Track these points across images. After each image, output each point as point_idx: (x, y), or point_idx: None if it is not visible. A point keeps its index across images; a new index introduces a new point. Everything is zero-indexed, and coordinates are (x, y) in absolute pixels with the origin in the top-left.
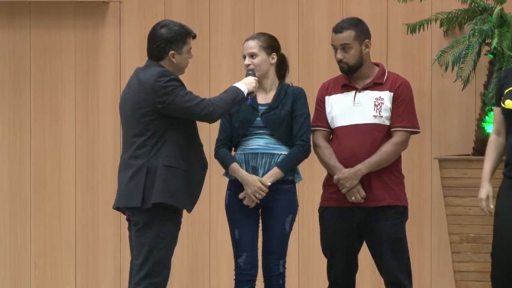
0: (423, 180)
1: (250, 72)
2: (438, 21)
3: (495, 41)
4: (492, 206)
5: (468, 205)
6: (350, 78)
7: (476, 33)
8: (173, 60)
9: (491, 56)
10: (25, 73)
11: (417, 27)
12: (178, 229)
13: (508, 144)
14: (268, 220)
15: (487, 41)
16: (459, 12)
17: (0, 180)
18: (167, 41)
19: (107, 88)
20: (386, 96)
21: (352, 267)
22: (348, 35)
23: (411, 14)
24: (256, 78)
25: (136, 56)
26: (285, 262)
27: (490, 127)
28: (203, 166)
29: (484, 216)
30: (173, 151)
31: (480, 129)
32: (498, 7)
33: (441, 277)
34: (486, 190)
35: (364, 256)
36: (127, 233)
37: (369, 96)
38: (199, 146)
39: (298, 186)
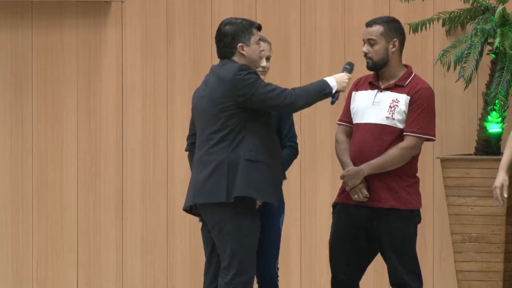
0: (426, 180)
1: (348, 66)
2: (440, 21)
3: (497, 40)
4: (505, 195)
5: (471, 205)
6: (378, 77)
7: (478, 33)
8: (243, 52)
9: (493, 55)
10: (27, 72)
11: (419, 26)
12: (259, 225)
13: None
14: (264, 220)
15: (489, 41)
16: (461, 12)
17: (2, 180)
18: (233, 35)
19: (109, 87)
20: (402, 99)
21: (353, 264)
22: (375, 30)
23: (413, 14)
24: (350, 76)
25: (138, 55)
26: (278, 262)
27: (492, 127)
28: (281, 160)
29: (486, 216)
30: (253, 144)
31: (482, 129)
32: (500, 7)
33: (443, 276)
34: (501, 178)
35: None
36: (128, 232)
37: (387, 97)
38: (277, 139)
39: (300, 185)
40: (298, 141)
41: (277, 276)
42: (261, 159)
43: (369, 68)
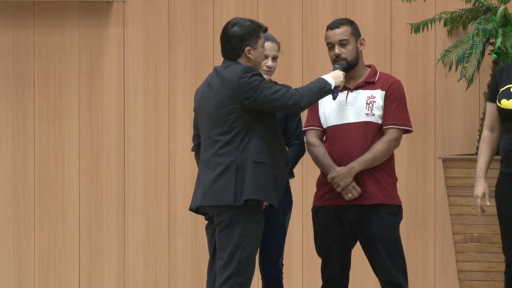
0: (427, 180)
1: (337, 66)
2: (442, 21)
3: (499, 40)
4: (488, 203)
5: (472, 205)
6: (345, 78)
7: (480, 33)
8: (250, 56)
9: (495, 55)
10: (29, 72)
11: (421, 26)
12: (262, 228)
13: (502, 141)
14: (269, 219)
15: (491, 41)
16: (463, 12)
17: (4, 180)
18: (241, 38)
19: (110, 87)
20: (378, 95)
21: (346, 264)
22: (345, 30)
23: (415, 14)
24: (343, 73)
25: (139, 55)
26: (283, 259)
27: None
28: (287, 161)
29: (488, 216)
30: (261, 146)
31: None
32: (502, 7)
33: (445, 276)
34: (482, 187)
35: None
36: (130, 232)
37: (361, 95)
38: (282, 140)
39: (302, 185)
40: (304, 139)
41: (282, 273)
42: (267, 161)
43: (344, 69)
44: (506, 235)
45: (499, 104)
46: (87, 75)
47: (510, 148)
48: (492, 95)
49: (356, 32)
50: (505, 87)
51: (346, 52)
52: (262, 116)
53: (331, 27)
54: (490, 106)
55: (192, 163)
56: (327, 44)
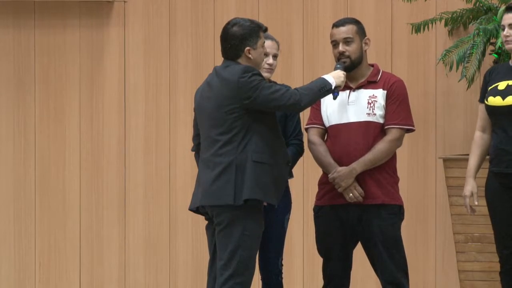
0: (428, 180)
1: (339, 66)
2: (443, 21)
3: (499, 40)
4: (476, 203)
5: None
6: (346, 77)
7: (481, 33)
8: (250, 56)
9: (495, 55)
10: (29, 72)
11: (422, 26)
12: (262, 228)
13: (492, 140)
14: (268, 219)
15: (491, 41)
16: (463, 12)
17: (5, 180)
18: (241, 38)
19: (111, 87)
20: (380, 94)
21: (348, 264)
22: (350, 28)
23: (416, 14)
24: (344, 73)
25: (140, 55)
26: (282, 259)
27: None
28: (287, 161)
29: (488, 216)
30: (260, 146)
31: None
32: (503, 7)
33: (445, 276)
34: (470, 187)
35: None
36: (131, 232)
37: (362, 95)
38: (282, 140)
39: (302, 185)
40: (303, 139)
41: (281, 273)
42: (267, 161)
43: (347, 67)
44: (499, 233)
45: (486, 102)
46: (87, 75)
47: (498, 147)
48: (482, 95)
49: (361, 32)
50: (493, 86)
51: (350, 50)
52: (262, 115)
53: (336, 25)
54: (481, 107)
55: (193, 163)
56: (332, 41)
